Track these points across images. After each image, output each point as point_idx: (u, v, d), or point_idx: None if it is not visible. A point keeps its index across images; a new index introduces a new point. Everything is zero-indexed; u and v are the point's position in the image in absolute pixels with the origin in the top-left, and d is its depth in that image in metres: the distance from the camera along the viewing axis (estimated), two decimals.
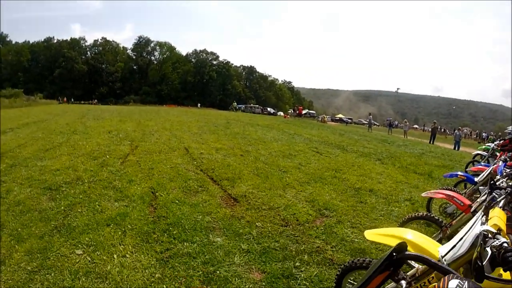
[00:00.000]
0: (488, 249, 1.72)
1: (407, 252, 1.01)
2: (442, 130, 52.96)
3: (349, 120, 66.61)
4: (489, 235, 1.82)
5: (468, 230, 2.10)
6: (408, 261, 3.49)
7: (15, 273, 3.31)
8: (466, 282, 0.78)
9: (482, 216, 2.11)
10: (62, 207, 5.03)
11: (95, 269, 3.36)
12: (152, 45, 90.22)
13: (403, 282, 0.92)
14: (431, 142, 23.81)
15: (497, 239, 1.77)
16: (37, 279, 3.21)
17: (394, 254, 0.99)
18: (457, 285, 0.78)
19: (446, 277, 0.82)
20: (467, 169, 8.14)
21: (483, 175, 5.03)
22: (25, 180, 6.44)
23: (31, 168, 7.33)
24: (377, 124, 70.44)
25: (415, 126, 78.28)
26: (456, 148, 21.65)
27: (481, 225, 1.98)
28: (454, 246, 2.08)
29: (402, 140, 20.51)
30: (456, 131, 26.27)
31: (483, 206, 2.50)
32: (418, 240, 2.33)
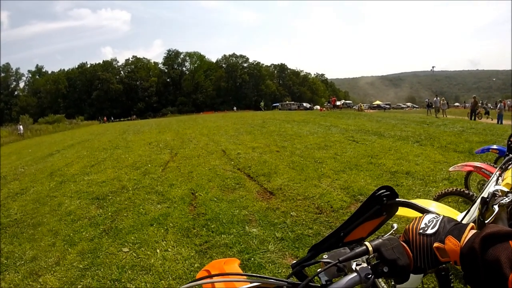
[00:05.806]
0: (495, 206, 1.71)
1: (397, 199, 1.01)
2: (485, 104, 49.77)
3: (387, 106, 64.81)
4: (499, 194, 1.81)
5: (482, 193, 2.11)
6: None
7: (68, 271, 3.67)
8: (442, 216, 0.79)
9: (498, 178, 2.10)
10: (109, 213, 5.44)
11: (140, 263, 3.65)
12: (182, 56, 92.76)
13: (395, 225, 0.94)
14: (473, 119, 22.74)
15: (507, 197, 1.76)
16: (88, 274, 3.54)
17: (384, 198, 0.98)
18: (433, 217, 0.80)
19: (424, 214, 0.84)
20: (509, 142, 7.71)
21: None
22: (74, 193, 6.95)
23: (79, 182, 7.87)
24: (417, 106, 67.94)
25: (456, 104, 74.45)
26: (499, 122, 20.61)
27: (494, 186, 1.97)
28: (469, 210, 2.10)
29: (441, 120, 19.62)
30: (498, 104, 24.88)
31: (500, 168, 2.46)
32: (438, 209, 2.34)
